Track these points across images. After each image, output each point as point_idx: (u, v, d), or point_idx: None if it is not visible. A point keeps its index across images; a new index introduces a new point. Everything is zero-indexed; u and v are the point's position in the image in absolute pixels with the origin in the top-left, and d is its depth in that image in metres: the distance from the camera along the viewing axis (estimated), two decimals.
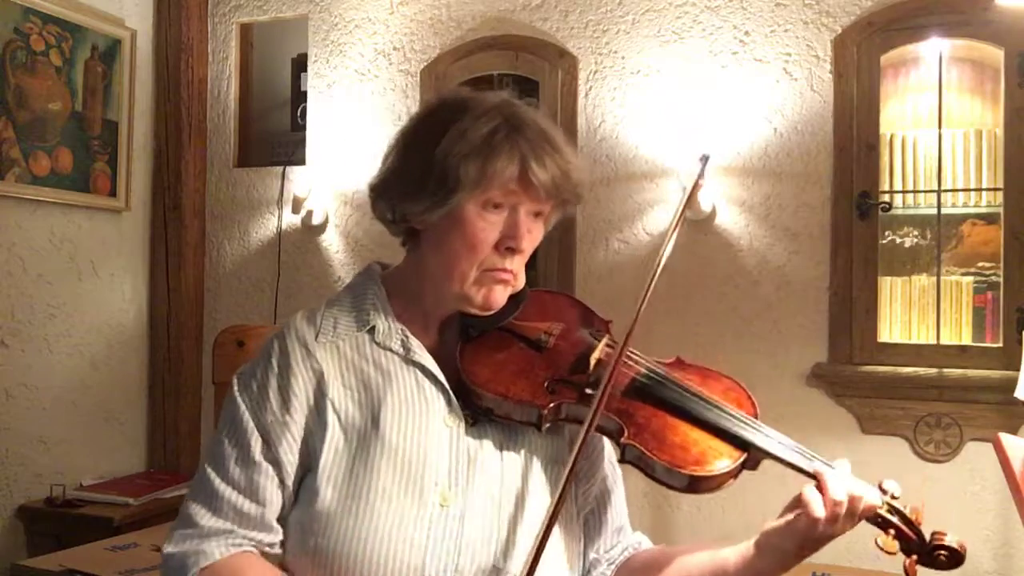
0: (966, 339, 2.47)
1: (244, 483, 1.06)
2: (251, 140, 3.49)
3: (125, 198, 3.23)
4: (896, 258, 2.61)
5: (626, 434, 1.04)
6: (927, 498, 2.68)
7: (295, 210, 3.22)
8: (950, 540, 1.03)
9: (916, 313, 2.54)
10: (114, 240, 3.25)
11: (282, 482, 1.07)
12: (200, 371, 3.37)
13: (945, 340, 2.48)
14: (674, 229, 1.14)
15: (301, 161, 3.28)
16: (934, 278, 2.52)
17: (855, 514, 1.00)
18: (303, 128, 3.30)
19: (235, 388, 1.11)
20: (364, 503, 1.02)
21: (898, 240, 2.61)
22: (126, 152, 3.22)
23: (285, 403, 1.07)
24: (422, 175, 1.07)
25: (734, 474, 1.04)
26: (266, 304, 3.29)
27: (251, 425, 1.07)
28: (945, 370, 2.43)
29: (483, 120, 1.06)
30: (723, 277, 2.70)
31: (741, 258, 2.68)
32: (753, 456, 1.04)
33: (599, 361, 1.10)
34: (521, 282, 1.14)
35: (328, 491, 1.03)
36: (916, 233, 2.61)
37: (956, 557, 1.03)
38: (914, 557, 1.03)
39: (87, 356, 3.14)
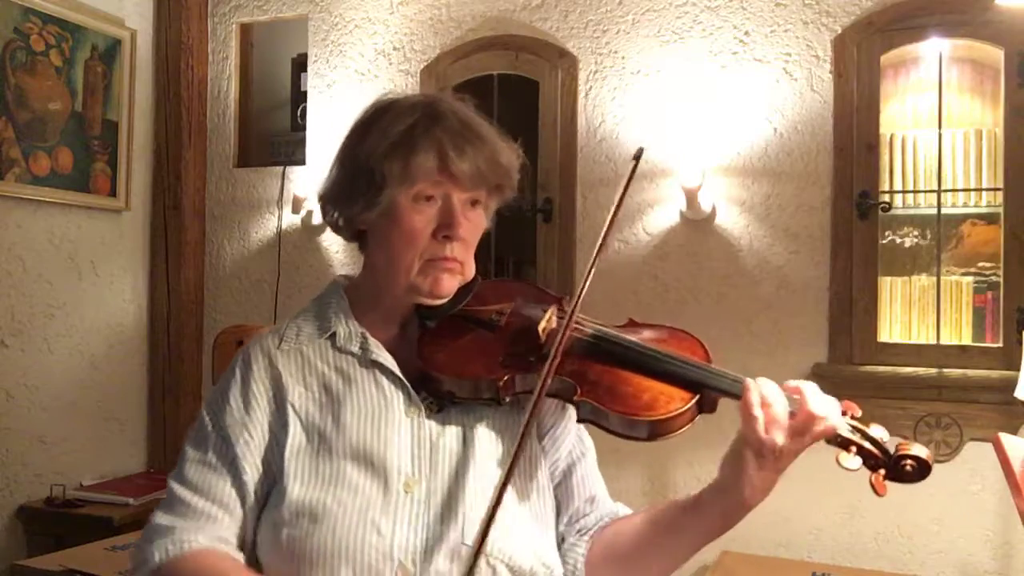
0: (966, 339, 2.47)
1: (197, 482, 1.10)
2: (251, 140, 3.49)
3: (125, 198, 3.23)
4: (896, 258, 2.61)
5: (579, 392, 1.07)
6: (927, 498, 2.68)
7: (295, 210, 3.22)
8: (916, 449, 0.99)
9: (916, 313, 2.54)
10: (114, 240, 3.25)
11: (237, 478, 1.10)
12: (200, 371, 3.38)
13: (945, 340, 2.48)
14: (613, 215, 1.16)
15: (301, 161, 3.28)
16: (934, 278, 2.52)
17: (810, 428, 0.99)
18: (303, 128, 3.30)
19: (203, 406, 1.18)
20: (332, 496, 1.06)
21: (898, 240, 2.61)
22: (126, 152, 3.22)
23: (245, 405, 1.13)
24: (354, 177, 1.14)
25: (690, 415, 1.05)
26: (266, 304, 3.29)
27: (210, 429, 1.13)
28: (945, 370, 2.43)
29: (403, 117, 1.12)
30: (723, 277, 2.70)
31: (741, 258, 2.68)
32: (707, 396, 1.06)
33: (548, 331, 1.13)
34: (470, 271, 1.18)
35: (296, 487, 1.07)
36: (916, 233, 2.61)
37: (923, 466, 0.99)
38: (881, 472, 1.00)
39: (87, 356, 3.14)
